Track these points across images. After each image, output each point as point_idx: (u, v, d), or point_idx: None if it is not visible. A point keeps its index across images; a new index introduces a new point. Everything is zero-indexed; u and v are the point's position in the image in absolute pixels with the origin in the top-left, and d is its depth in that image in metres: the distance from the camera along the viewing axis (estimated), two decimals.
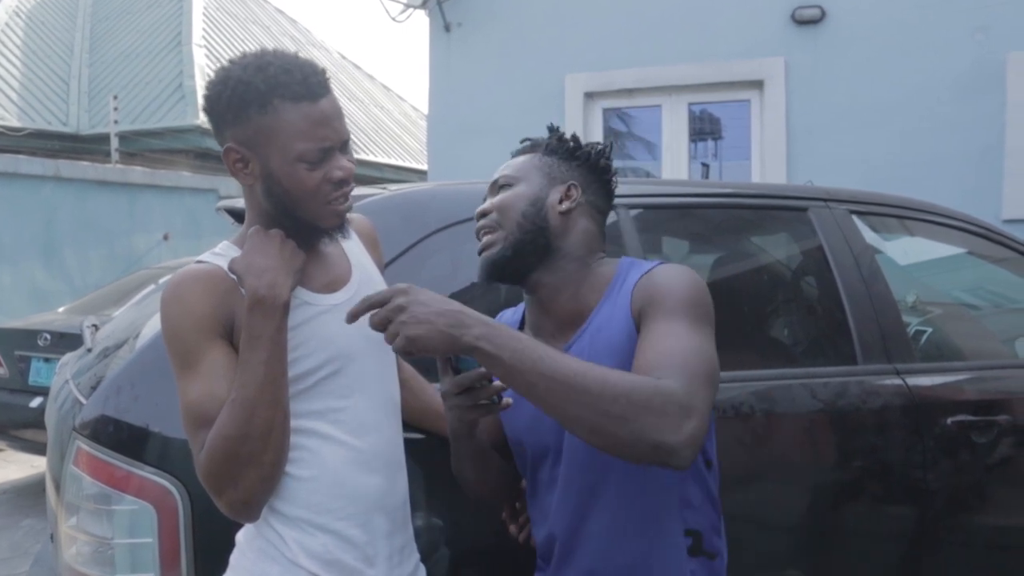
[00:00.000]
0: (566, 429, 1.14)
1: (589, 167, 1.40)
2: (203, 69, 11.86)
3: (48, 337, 5.15)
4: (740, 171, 5.62)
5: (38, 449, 4.88)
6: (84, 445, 1.53)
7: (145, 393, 1.55)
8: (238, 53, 1.28)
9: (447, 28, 6.05)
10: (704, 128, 5.81)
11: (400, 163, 14.22)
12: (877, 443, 2.04)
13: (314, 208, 1.24)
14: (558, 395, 1.06)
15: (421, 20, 6.25)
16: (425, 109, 6.66)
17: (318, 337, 1.25)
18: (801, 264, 2.37)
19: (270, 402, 1.16)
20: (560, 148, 1.40)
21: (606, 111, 5.88)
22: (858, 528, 2.01)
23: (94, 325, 2.47)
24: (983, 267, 2.72)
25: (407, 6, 6.29)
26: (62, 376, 2.11)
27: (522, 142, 1.46)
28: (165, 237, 9.19)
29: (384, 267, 1.49)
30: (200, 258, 1.29)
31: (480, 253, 1.35)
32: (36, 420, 4.51)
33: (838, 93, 5.23)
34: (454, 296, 1.74)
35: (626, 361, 1.19)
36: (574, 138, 1.42)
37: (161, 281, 2.64)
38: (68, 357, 2.43)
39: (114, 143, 10.78)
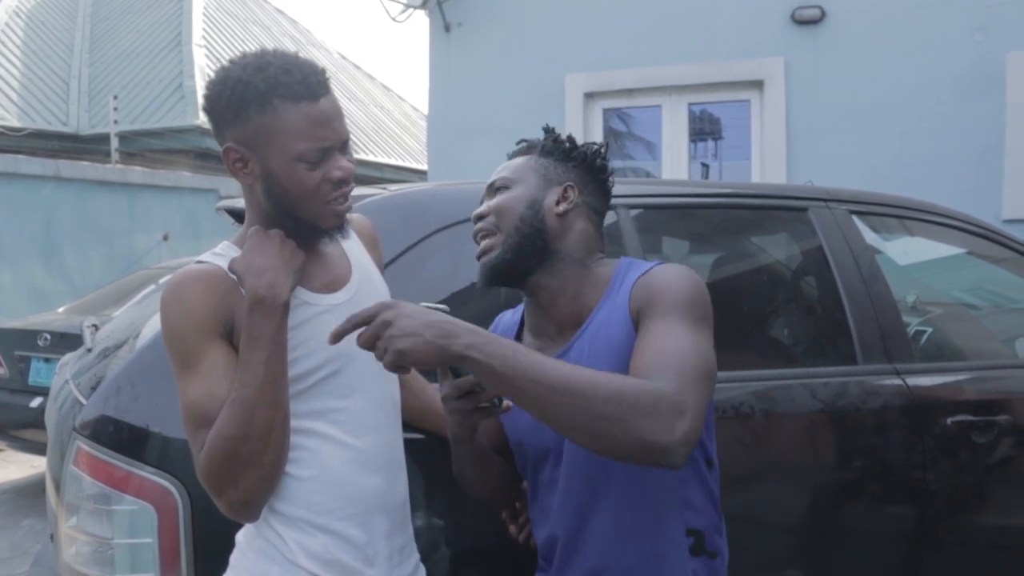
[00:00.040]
0: (560, 433, 1.14)
1: (585, 167, 1.40)
2: (203, 69, 11.86)
3: (48, 337, 5.15)
4: (740, 171, 5.62)
5: (38, 449, 4.88)
6: (84, 445, 1.53)
7: (145, 393, 1.55)
8: (238, 53, 1.28)
9: (447, 28, 6.05)
10: (704, 128, 5.81)
11: (400, 163, 14.22)
12: (877, 443, 2.04)
13: (314, 208, 1.24)
14: (549, 400, 1.05)
15: (421, 20, 6.26)
16: (425, 109, 6.66)
17: (318, 337, 1.25)
18: (801, 264, 2.37)
19: (270, 402, 1.16)
20: (556, 149, 1.40)
21: (606, 111, 5.88)
22: (858, 528, 2.01)
23: (94, 325, 2.47)
24: (983, 267, 2.72)
25: (407, 6, 6.29)
26: (62, 376, 2.11)
27: (518, 144, 1.46)
28: (165, 237, 9.19)
29: (384, 267, 1.49)
30: (200, 258, 1.29)
31: (479, 258, 1.35)
32: (36, 420, 4.51)
33: (838, 93, 5.23)
34: (454, 296, 1.75)
35: (625, 361, 1.19)
36: (570, 139, 1.42)
37: (161, 281, 2.64)
38: (68, 357, 2.43)
39: (114, 143, 10.78)
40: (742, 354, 1.99)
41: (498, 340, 1.08)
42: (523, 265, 1.33)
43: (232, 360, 1.20)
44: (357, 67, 17.23)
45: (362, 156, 12.77)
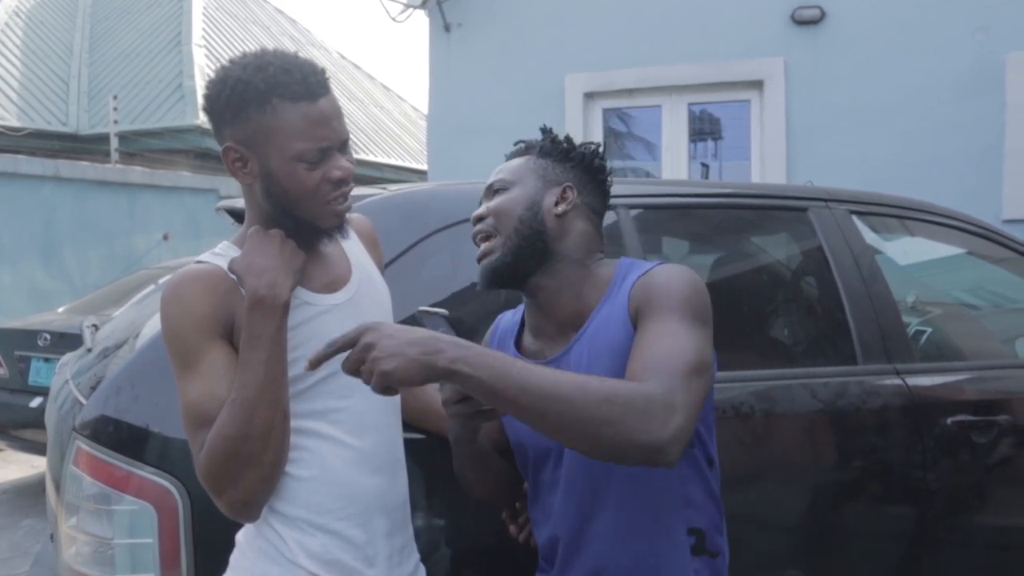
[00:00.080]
0: (553, 440, 1.14)
1: (584, 168, 1.39)
2: (203, 69, 11.86)
3: (48, 337, 5.15)
4: (740, 171, 5.62)
5: (38, 449, 4.88)
6: (84, 445, 1.53)
7: (145, 393, 1.55)
8: (238, 53, 1.28)
9: (447, 28, 6.05)
10: (704, 128, 5.81)
11: (400, 163, 14.22)
12: (877, 443, 2.04)
13: (313, 208, 1.24)
14: (541, 408, 1.05)
15: (421, 20, 6.26)
16: (425, 109, 6.66)
17: (318, 337, 1.25)
18: (801, 264, 2.37)
19: (270, 402, 1.16)
20: (554, 150, 1.40)
21: (606, 111, 5.88)
22: (858, 528, 2.01)
23: (94, 325, 2.47)
24: (983, 267, 2.72)
25: (407, 6, 6.29)
26: (62, 376, 2.11)
27: (515, 144, 1.46)
28: (165, 237, 9.19)
29: (384, 267, 1.49)
30: (200, 258, 1.29)
31: (479, 261, 1.35)
32: (36, 420, 4.50)
33: (838, 93, 5.23)
34: (454, 296, 1.75)
35: (625, 362, 1.19)
36: (568, 139, 1.41)
37: (161, 281, 2.64)
38: (68, 357, 2.43)
39: (114, 143, 10.78)
40: (742, 354, 1.99)
41: (484, 352, 1.07)
42: (523, 267, 1.33)
43: (232, 360, 1.20)
44: (357, 67, 17.23)
45: (362, 156, 12.77)
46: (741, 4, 5.43)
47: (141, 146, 11.28)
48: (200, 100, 1.39)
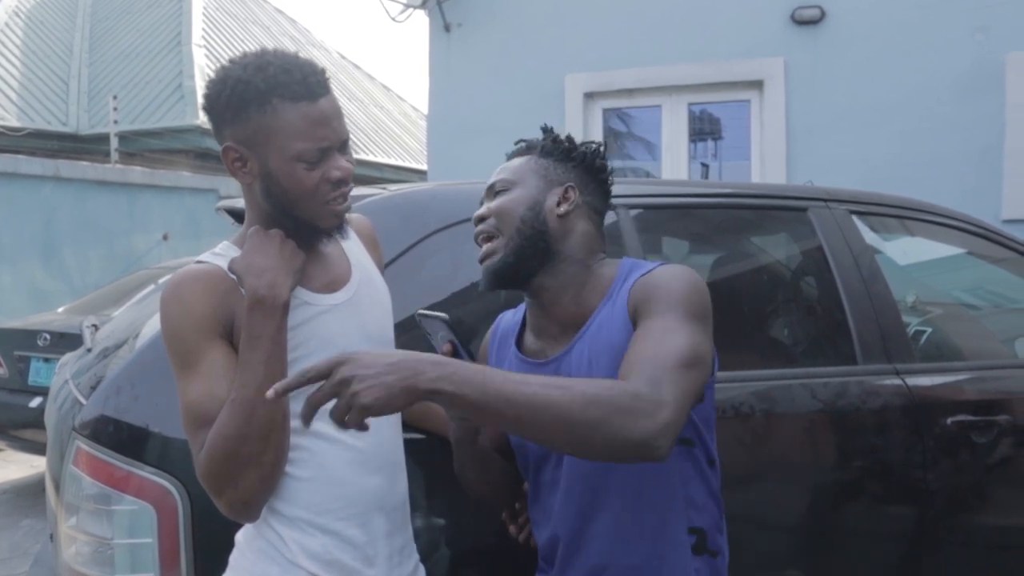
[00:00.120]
0: (547, 447, 1.13)
1: (585, 167, 1.39)
2: (203, 69, 11.86)
3: (48, 337, 5.15)
4: (740, 171, 5.62)
5: (38, 449, 4.88)
6: (84, 445, 1.53)
7: (145, 393, 1.55)
8: (238, 53, 1.28)
9: (447, 28, 6.05)
10: (704, 128, 5.81)
11: (400, 163, 14.21)
12: (877, 443, 2.04)
13: (312, 208, 1.24)
14: (527, 418, 1.04)
15: (421, 20, 6.26)
16: (425, 109, 6.66)
17: (318, 337, 1.25)
18: (801, 264, 2.37)
19: (270, 402, 1.16)
20: (555, 149, 1.39)
21: (606, 111, 5.88)
22: (858, 528, 2.01)
23: (94, 325, 2.47)
24: (983, 267, 2.72)
25: (407, 6, 6.29)
26: (62, 376, 2.11)
27: (516, 143, 1.46)
28: (165, 237, 9.19)
29: (384, 267, 1.49)
30: (200, 258, 1.29)
31: (481, 261, 1.35)
32: (36, 420, 4.50)
33: (838, 93, 5.23)
34: (454, 296, 1.75)
35: None
36: (569, 139, 1.41)
37: (161, 281, 2.64)
38: (68, 357, 2.43)
39: (114, 143, 10.78)
40: (742, 354, 1.99)
41: (466, 367, 1.05)
42: (525, 267, 1.32)
43: (232, 360, 1.20)
44: (357, 67, 17.23)
45: (362, 156, 12.77)
46: (741, 4, 5.43)
47: (141, 146, 11.28)
48: (200, 100, 1.39)
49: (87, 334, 2.34)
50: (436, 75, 6.14)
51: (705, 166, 5.84)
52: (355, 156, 7.96)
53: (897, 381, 2.06)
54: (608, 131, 5.87)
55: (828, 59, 5.26)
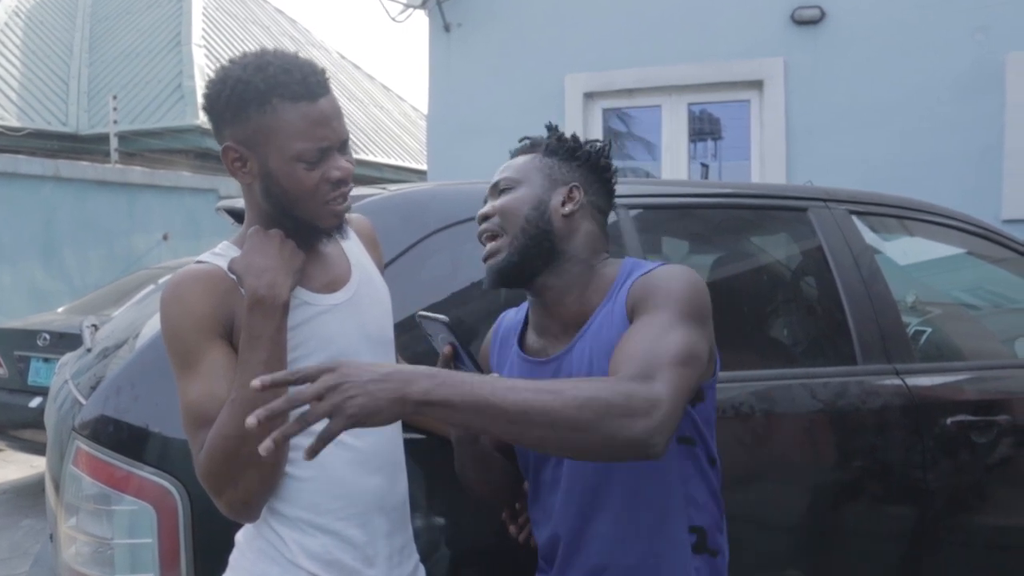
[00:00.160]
0: (543, 452, 1.13)
1: (590, 167, 1.39)
2: (203, 69, 11.86)
3: (47, 337, 5.15)
4: (740, 171, 5.62)
5: (37, 449, 4.88)
6: (84, 445, 1.53)
7: (145, 393, 1.55)
8: (238, 53, 1.28)
9: (447, 28, 6.05)
10: (704, 128, 5.81)
11: (400, 163, 14.21)
12: (877, 443, 2.04)
13: (312, 208, 1.24)
14: (521, 424, 1.03)
15: (421, 20, 6.26)
16: (425, 109, 6.66)
17: (318, 337, 1.25)
18: (801, 264, 2.37)
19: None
20: (560, 148, 1.39)
21: (606, 111, 5.88)
22: (858, 528, 2.01)
23: (94, 325, 2.47)
24: (983, 267, 2.72)
25: (407, 6, 6.29)
26: (61, 376, 2.11)
27: (521, 141, 1.45)
28: (165, 237, 9.19)
29: (384, 267, 1.49)
30: (200, 258, 1.29)
31: (485, 260, 1.35)
32: (35, 420, 4.50)
33: (838, 93, 5.23)
34: (454, 296, 1.75)
35: None
36: (574, 138, 1.41)
37: (161, 281, 2.64)
38: (67, 357, 2.43)
39: (113, 143, 10.78)
40: (742, 354, 1.99)
41: (455, 376, 1.04)
42: (530, 267, 1.32)
43: (232, 360, 1.20)
44: (357, 67, 17.23)
45: (362, 156, 12.77)
46: (741, 4, 5.43)
47: (141, 146, 11.28)
48: (200, 100, 1.39)
49: (87, 334, 2.34)
50: (436, 75, 6.14)
51: (705, 166, 5.84)
52: (355, 156, 7.96)
53: (897, 381, 2.06)
54: (608, 131, 5.87)
55: (828, 59, 5.26)
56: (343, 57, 17.14)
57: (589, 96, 5.80)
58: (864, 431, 2.03)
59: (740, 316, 2.19)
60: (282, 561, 1.24)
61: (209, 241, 5.24)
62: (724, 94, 5.59)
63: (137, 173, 9.45)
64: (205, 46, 12.74)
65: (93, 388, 1.64)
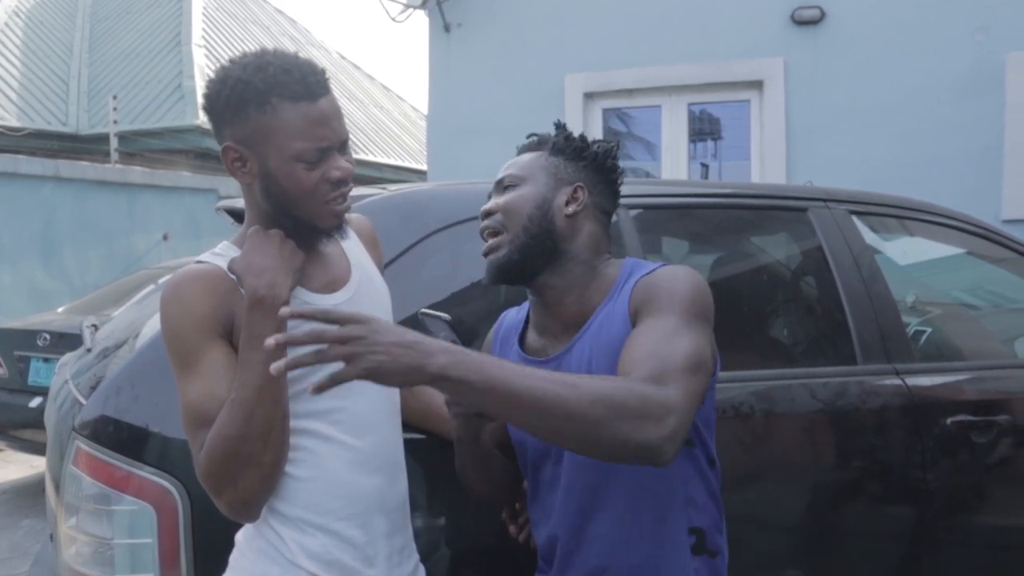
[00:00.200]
0: (550, 443, 1.13)
1: (596, 167, 1.38)
2: (203, 69, 11.86)
3: (47, 337, 5.14)
4: (740, 171, 5.62)
5: (37, 449, 4.88)
6: (84, 445, 1.53)
7: (145, 393, 1.55)
8: (238, 53, 1.28)
9: (447, 28, 6.05)
10: (704, 128, 5.81)
11: (400, 163, 14.21)
12: (877, 443, 2.04)
13: (312, 208, 1.24)
14: (534, 411, 1.04)
15: (421, 20, 6.26)
16: (425, 109, 6.66)
17: None
18: (801, 264, 2.37)
19: (270, 402, 1.16)
20: (567, 147, 1.38)
21: (606, 111, 5.88)
22: (858, 528, 2.01)
23: (94, 325, 2.47)
24: (983, 267, 2.72)
25: (407, 6, 6.29)
26: (61, 376, 2.11)
27: (528, 137, 1.45)
28: (164, 237, 9.19)
29: (384, 267, 1.49)
30: (200, 258, 1.29)
31: (485, 255, 1.35)
32: (35, 420, 4.50)
33: (838, 93, 5.23)
34: (454, 296, 1.75)
35: None
36: (581, 137, 1.40)
37: (161, 281, 2.64)
38: (67, 357, 2.43)
39: (113, 143, 10.77)
40: (742, 354, 1.99)
41: (474, 356, 1.05)
42: (530, 265, 1.32)
43: (232, 360, 1.20)
44: (356, 67, 17.23)
45: (361, 156, 12.77)
46: (741, 4, 5.43)
47: (141, 146, 11.28)
48: (200, 100, 1.39)
49: (87, 334, 2.34)
50: (436, 75, 6.14)
51: (705, 166, 5.84)
52: (355, 156, 7.96)
53: (897, 381, 2.06)
54: (608, 131, 5.87)
55: (828, 59, 5.26)
56: (343, 57, 17.14)
57: (589, 96, 5.80)
58: (864, 431, 2.03)
59: (740, 316, 2.19)
60: (282, 561, 1.24)
61: (209, 241, 5.24)
62: (724, 94, 5.59)
63: (137, 173, 9.45)
64: (205, 46, 12.74)
65: (93, 388, 1.64)
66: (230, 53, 6.81)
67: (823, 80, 5.27)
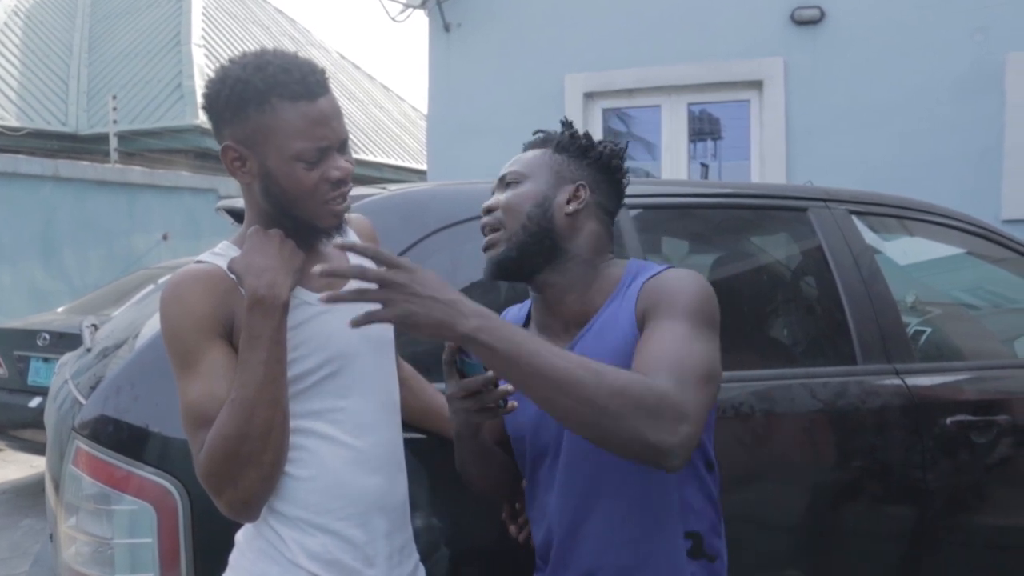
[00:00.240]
0: (562, 424, 1.13)
1: (600, 167, 1.38)
2: (202, 69, 11.86)
3: (47, 337, 5.14)
4: (739, 171, 5.62)
5: (37, 449, 4.88)
6: (83, 445, 1.53)
7: (145, 393, 1.55)
8: (237, 53, 1.28)
9: (447, 28, 6.05)
10: (703, 128, 5.81)
11: (399, 163, 14.22)
12: (876, 443, 2.04)
13: (312, 208, 1.24)
14: (553, 389, 1.05)
15: (421, 20, 6.26)
16: (425, 109, 6.66)
17: (317, 337, 1.25)
18: (801, 264, 2.37)
19: (270, 402, 1.16)
20: (572, 145, 1.38)
21: (606, 111, 5.88)
22: (858, 528, 2.01)
23: (93, 325, 2.47)
24: (983, 267, 2.72)
25: (407, 6, 6.29)
26: (61, 376, 2.11)
27: (535, 134, 1.44)
28: (164, 237, 9.19)
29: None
30: (200, 258, 1.28)
31: (485, 251, 1.35)
32: (35, 420, 4.51)
33: (837, 93, 5.23)
34: None
35: (627, 363, 1.19)
36: (586, 136, 1.39)
37: (161, 281, 2.64)
38: (67, 357, 2.43)
39: (113, 143, 10.78)
40: (742, 354, 1.99)
41: (506, 325, 1.08)
42: (529, 263, 1.32)
43: (232, 360, 1.20)
44: (356, 67, 17.24)
45: (361, 156, 12.77)
46: (740, 4, 5.43)
47: (140, 146, 11.28)
48: (200, 100, 1.39)
49: (87, 334, 2.34)
50: (436, 75, 6.14)
51: (705, 166, 5.84)
52: (355, 156, 7.96)
53: (897, 381, 2.06)
54: (608, 131, 5.88)
55: (828, 59, 5.26)
56: (343, 57, 17.14)
57: (589, 96, 5.80)
58: (864, 431, 2.03)
59: (740, 316, 2.19)
60: (282, 561, 1.24)
61: (209, 241, 5.23)
62: (724, 94, 5.59)
63: (137, 173, 9.45)
64: (205, 46, 12.74)
65: (93, 388, 1.64)
66: (230, 53, 6.79)
67: (823, 80, 5.27)
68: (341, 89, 14.13)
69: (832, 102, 5.23)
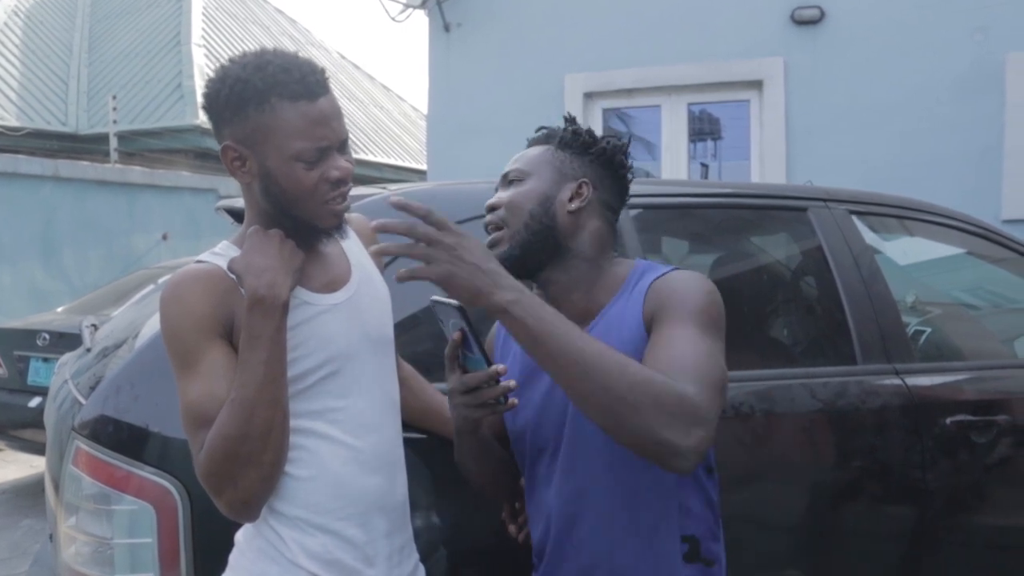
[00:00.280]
0: (578, 408, 1.13)
1: (603, 163, 1.37)
2: (202, 69, 11.86)
3: (47, 337, 5.15)
4: (739, 171, 5.62)
5: (37, 449, 4.88)
6: (83, 445, 1.53)
7: (145, 393, 1.55)
8: (237, 53, 1.28)
9: (447, 28, 6.05)
10: (703, 128, 5.81)
11: (400, 163, 14.22)
12: (876, 443, 2.04)
13: (311, 208, 1.24)
14: (578, 371, 1.07)
15: (421, 20, 6.26)
16: (425, 109, 6.66)
17: (317, 337, 1.25)
18: (801, 264, 2.37)
19: (270, 402, 1.16)
20: (574, 142, 1.37)
21: (606, 111, 5.88)
22: (858, 528, 2.01)
23: (93, 325, 2.47)
24: (983, 267, 2.72)
25: (407, 6, 6.29)
26: (61, 376, 2.11)
27: (537, 131, 1.44)
28: (164, 237, 9.19)
29: (384, 267, 1.49)
30: (199, 258, 1.28)
31: (488, 248, 1.35)
32: (35, 420, 4.51)
33: (837, 93, 5.23)
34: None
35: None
36: (589, 132, 1.39)
37: (160, 281, 2.64)
38: (67, 357, 2.43)
39: (113, 143, 10.78)
40: (742, 354, 1.99)
41: (540, 303, 1.10)
42: (532, 260, 1.32)
43: (232, 360, 1.20)
44: (356, 67, 17.23)
45: (361, 156, 12.77)
46: (740, 4, 5.43)
47: (140, 146, 11.28)
48: (199, 100, 1.39)
49: (87, 334, 2.34)
50: (436, 75, 6.14)
51: (705, 166, 5.84)
52: (355, 156, 7.96)
53: (897, 381, 2.06)
54: (608, 131, 5.87)
55: (828, 59, 5.26)
56: (343, 57, 17.14)
57: (589, 96, 5.80)
58: (864, 431, 2.03)
59: (740, 316, 2.18)
60: (282, 561, 1.24)
61: (209, 241, 5.23)
62: (724, 94, 5.59)
63: (137, 173, 9.45)
64: (205, 46, 12.74)
65: (93, 388, 1.64)
66: (230, 53, 6.78)
67: (823, 80, 5.27)
68: (341, 89, 14.13)
69: (832, 102, 5.23)
